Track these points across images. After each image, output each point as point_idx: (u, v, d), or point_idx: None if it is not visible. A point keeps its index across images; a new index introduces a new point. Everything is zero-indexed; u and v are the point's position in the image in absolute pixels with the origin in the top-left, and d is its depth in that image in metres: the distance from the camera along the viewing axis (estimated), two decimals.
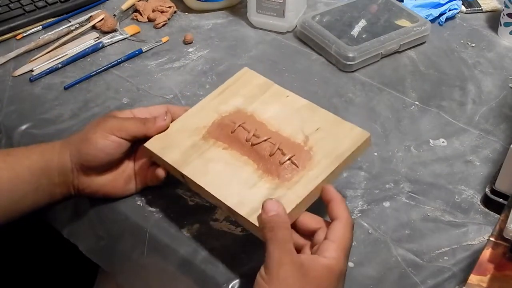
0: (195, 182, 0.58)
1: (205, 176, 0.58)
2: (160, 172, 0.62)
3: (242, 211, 0.54)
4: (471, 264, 0.58)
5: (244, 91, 0.66)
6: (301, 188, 0.55)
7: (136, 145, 0.64)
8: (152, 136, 0.62)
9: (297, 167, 0.57)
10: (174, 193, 0.66)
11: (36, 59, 0.88)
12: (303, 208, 0.55)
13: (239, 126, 0.61)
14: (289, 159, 0.57)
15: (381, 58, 0.89)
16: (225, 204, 0.55)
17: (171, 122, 0.64)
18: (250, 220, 0.53)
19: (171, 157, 0.60)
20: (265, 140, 0.60)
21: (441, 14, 0.97)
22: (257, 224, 0.52)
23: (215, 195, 0.56)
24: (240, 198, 0.55)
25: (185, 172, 0.59)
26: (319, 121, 0.62)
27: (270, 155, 0.58)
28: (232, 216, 0.57)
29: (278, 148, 0.58)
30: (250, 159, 0.59)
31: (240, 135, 0.61)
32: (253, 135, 0.60)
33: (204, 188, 0.57)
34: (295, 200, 0.54)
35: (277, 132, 0.61)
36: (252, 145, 0.60)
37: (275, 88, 0.66)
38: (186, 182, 0.60)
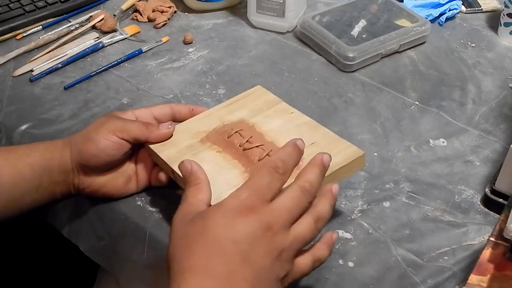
0: (181, 177, 0.59)
1: None
2: (162, 176, 0.63)
3: None
4: (471, 264, 0.58)
5: (251, 105, 0.68)
6: None
7: (138, 147, 0.64)
8: (153, 142, 0.63)
9: None
10: (174, 193, 0.66)
11: (36, 59, 0.88)
12: None
13: (235, 132, 0.63)
14: None
15: (381, 58, 0.89)
16: None
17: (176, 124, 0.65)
18: None
19: (166, 154, 0.62)
20: (257, 146, 0.61)
21: (441, 14, 0.97)
22: None
23: None
24: (218, 195, 0.56)
25: (175, 167, 0.60)
26: (317, 137, 0.63)
27: (259, 160, 0.60)
28: None
29: (268, 154, 0.60)
30: (240, 163, 0.60)
31: (235, 140, 0.62)
32: (247, 141, 0.62)
33: None
34: None
35: (272, 142, 0.62)
36: (244, 150, 0.61)
37: (281, 105, 0.68)
38: (176, 178, 0.61)
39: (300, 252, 0.51)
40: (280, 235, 0.48)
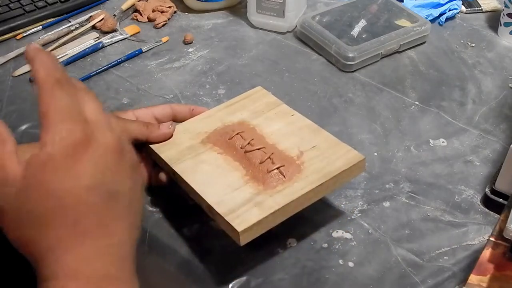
0: (183, 179, 0.59)
1: (193, 174, 0.60)
2: (162, 176, 0.63)
3: (219, 209, 0.55)
4: (471, 264, 0.58)
5: (252, 107, 0.68)
6: (282, 197, 0.56)
7: (138, 147, 0.64)
8: (154, 142, 0.63)
9: (284, 177, 0.58)
10: (174, 193, 0.66)
11: None
12: (282, 217, 0.56)
13: (237, 134, 0.63)
14: (277, 168, 0.58)
15: (381, 58, 0.89)
16: (206, 201, 0.56)
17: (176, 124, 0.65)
18: (226, 219, 0.54)
19: (167, 154, 0.62)
20: (258, 149, 0.61)
21: (441, 14, 0.97)
22: (232, 224, 0.53)
23: (197, 191, 0.57)
24: (220, 198, 0.56)
25: (176, 169, 0.60)
26: (317, 141, 0.63)
27: (260, 163, 0.59)
28: (211, 215, 0.58)
29: (269, 157, 0.60)
30: (241, 165, 0.60)
31: (236, 142, 0.62)
32: (248, 143, 0.62)
33: (189, 185, 0.59)
34: (272, 207, 0.55)
35: (273, 145, 0.62)
36: (246, 152, 0.61)
37: (282, 107, 0.68)
38: (177, 179, 0.61)
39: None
40: (106, 140, 0.43)
